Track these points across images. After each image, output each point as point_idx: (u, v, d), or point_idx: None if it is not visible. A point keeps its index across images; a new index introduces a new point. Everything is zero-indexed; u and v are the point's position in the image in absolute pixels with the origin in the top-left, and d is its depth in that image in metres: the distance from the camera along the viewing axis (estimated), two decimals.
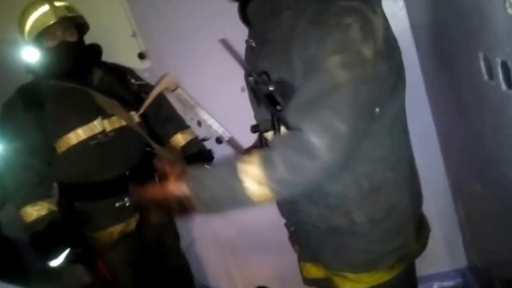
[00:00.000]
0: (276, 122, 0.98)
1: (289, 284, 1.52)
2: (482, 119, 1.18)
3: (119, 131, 1.80)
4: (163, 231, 1.98)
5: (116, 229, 1.84)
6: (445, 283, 2.12)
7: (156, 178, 1.79)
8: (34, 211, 1.70)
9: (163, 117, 2.00)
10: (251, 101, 1.14)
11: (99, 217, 1.81)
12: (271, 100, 0.95)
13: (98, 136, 1.75)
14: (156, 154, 1.87)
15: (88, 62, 1.83)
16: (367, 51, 0.87)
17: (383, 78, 0.93)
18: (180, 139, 2.02)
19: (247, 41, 1.14)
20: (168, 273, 2.02)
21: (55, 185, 1.84)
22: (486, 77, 1.04)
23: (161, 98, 1.96)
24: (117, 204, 1.81)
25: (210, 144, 2.12)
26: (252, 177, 0.89)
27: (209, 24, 1.94)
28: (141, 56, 2.20)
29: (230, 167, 0.92)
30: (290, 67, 0.94)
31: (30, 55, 1.75)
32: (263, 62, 1.02)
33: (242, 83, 1.14)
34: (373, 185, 1.04)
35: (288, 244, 1.33)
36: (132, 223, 1.87)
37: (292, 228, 1.23)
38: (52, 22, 1.68)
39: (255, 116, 1.14)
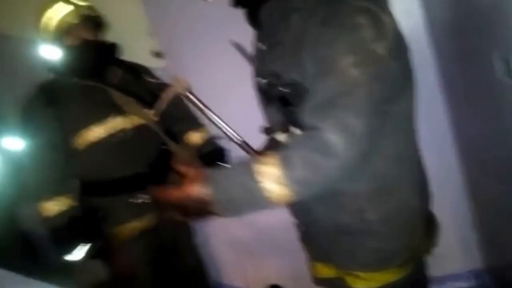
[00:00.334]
0: (289, 123, 0.99)
1: (301, 283, 1.53)
2: (501, 119, 1.17)
3: (138, 129, 1.83)
4: (178, 228, 2.00)
5: (135, 226, 1.86)
6: (459, 284, 2.09)
7: (174, 179, 1.81)
8: (56, 207, 1.73)
9: (179, 116, 2.02)
10: (260, 103, 1.14)
11: (117, 213, 1.84)
12: (284, 101, 0.96)
13: (119, 134, 1.79)
14: (172, 152, 1.90)
15: (108, 60, 1.87)
16: (380, 49, 0.88)
17: (394, 76, 0.93)
18: (196, 138, 2.04)
19: (254, 43, 1.14)
20: (183, 271, 2.04)
21: (76, 181, 1.87)
22: (503, 76, 1.03)
23: (176, 98, 1.98)
24: (136, 201, 1.83)
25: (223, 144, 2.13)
26: (271, 178, 0.89)
27: (222, 25, 1.95)
28: (157, 55, 2.23)
29: (248, 168, 0.91)
30: (301, 69, 0.94)
31: (52, 53, 1.79)
32: (273, 64, 1.02)
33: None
34: (385, 184, 1.04)
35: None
36: (151, 220, 1.88)
37: (304, 228, 1.23)
38: (76, 21, 1.74)
39: (265, 118, 1.14)
